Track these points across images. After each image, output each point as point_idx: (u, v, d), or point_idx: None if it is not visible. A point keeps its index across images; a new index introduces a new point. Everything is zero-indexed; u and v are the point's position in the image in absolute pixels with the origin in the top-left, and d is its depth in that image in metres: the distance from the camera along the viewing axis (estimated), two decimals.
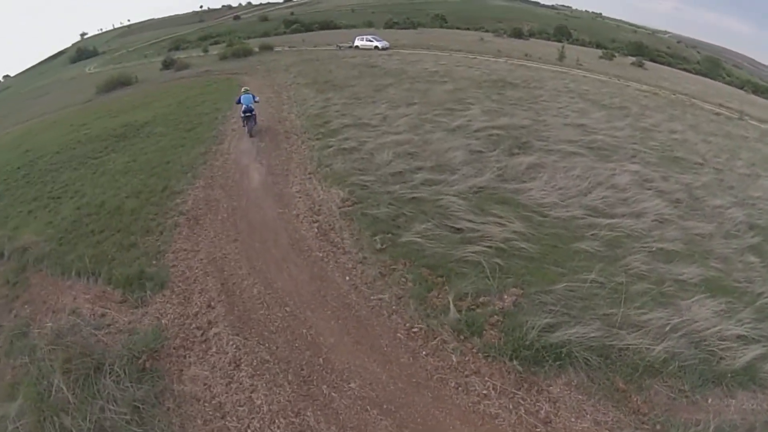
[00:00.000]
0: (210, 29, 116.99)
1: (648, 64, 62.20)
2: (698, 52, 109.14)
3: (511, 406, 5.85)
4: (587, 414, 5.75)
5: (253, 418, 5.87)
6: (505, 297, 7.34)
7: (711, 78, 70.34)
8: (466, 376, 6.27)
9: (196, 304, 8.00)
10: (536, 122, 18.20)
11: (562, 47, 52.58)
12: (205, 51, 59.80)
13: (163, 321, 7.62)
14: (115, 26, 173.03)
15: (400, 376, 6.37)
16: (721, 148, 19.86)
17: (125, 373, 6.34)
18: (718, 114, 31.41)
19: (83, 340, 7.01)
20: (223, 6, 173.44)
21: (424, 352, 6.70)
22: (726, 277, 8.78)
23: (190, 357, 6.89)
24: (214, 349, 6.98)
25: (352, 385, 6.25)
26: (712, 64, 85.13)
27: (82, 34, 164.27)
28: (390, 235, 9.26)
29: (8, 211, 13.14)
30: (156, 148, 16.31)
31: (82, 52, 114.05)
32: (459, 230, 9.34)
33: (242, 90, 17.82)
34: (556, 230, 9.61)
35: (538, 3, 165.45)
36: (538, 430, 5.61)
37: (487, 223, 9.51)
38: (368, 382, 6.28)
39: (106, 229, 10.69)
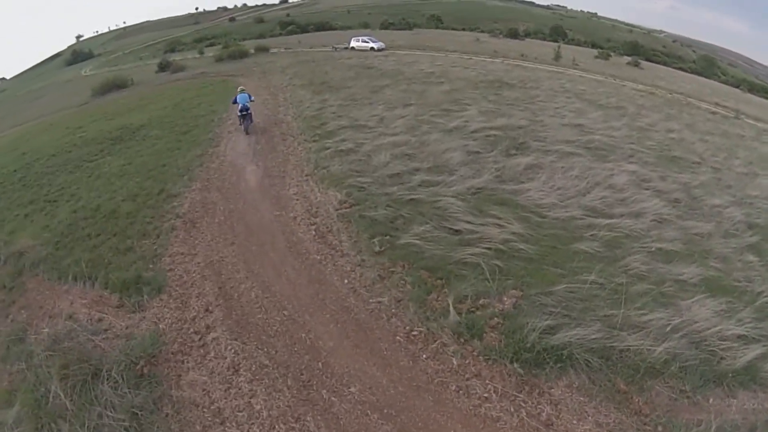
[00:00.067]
0: (206, 31, 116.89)
1: (644, 63, 62.32)
2: (694, 51, 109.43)
3: (512, 409, 5.81)
4: (589, 416, 5.72)
5: (252, 423, 5.82)
6: (505, 299, 7.30)
7: (706, 77, 70.43)
8: (467, 379, 6.24)
9: (193, 308, 7.94)
10: (533, 122, 18.19)
11: (558, 47, 52.78)
12: (201, 53, 59.94)
13: (160, 326, 7.56)
14: (111, 28, 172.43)
15: (400, 379, 6.33)
16: (718, 147, 19.89)
17: (123, 378, 6.28)
18: (714, 113, 31.49)
19: (80, 345, 6.96)
20: (218, 8, 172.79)
21: (424, 356, 6.66)
22: (725, 277, 8.76)
23: (188, 362, 6.83)
24: (212, 354, 6.93)
25: (352, 389, 6.21)
26: (708, 63, 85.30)
27: (78, 37, 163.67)
28: (388, 237, 9.23)
29: (4, 215, 13.05)
30: (152, 151, 16.24)
31: (78, 54, 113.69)
32: (458, 232, 9.30)
33: (238, 90, 18.34)
34: (555, 231, 9.58)
35: (533, 3, 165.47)
36: None
37: (485, 224, 9.48)
38: (368, 386, 6.24)
39: (102, 233, 10.62)
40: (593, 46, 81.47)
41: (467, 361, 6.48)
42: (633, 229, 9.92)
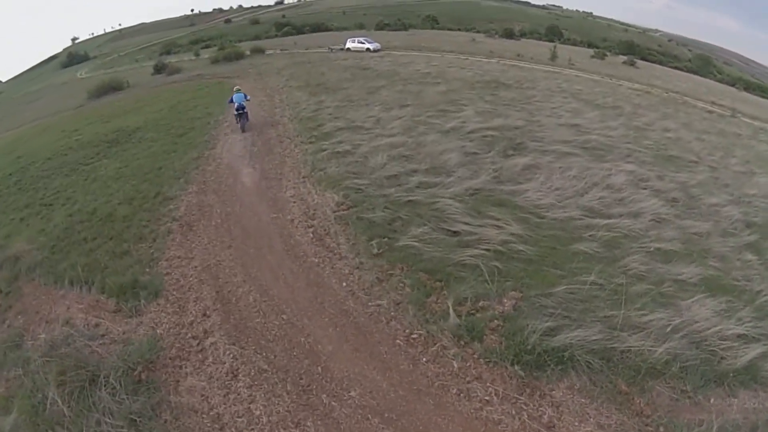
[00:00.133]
0: (201, 33, 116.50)
1: (639, 62, 62.49)
2: (689, 50, 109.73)
3: (513, 412, 5.78)
4: (590, 417, 5.69)
5: (252, 429, 5.76)
6: (505, 301, 7.27)
7: (702, 76, 70.58)
8: (468, 383, 6.20)
9: (191, 312, 7.88)
10: (530, 123, 18.20)
11: (554, 47, 52.80)
12: (197, 55, 59.67)
13: (158, 331, 7.49)
14: (107, 30, 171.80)
15: (400, 383, 6.29)
16: (714, 146, 19.95)
17: (121, 384, 6.21)
18: (710, 112, 31.60)
19: (77, 351, 6.91)
20: (214, 9, 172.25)
21: (424, 359, 6.62)
22: (725, 276, 8.77)
23: (186, 367, 6.77)
24: (210, 359, 6.86)
25: (353, 393, 6.16)
26: (703, 62, 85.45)
27: (74, 39, 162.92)
28: (386, 239, 9.18)
29: (0, 219, 12.97)
30: (148, 154, 16.19)
31: (74, 56, 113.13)
32: (456, 233, 9.27)
33: (234, 89, 18.76)
34: (554, 232, 9.56)
35: (528, 3, 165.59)
36: None
37: (484, 225, 9.45)
38: (368, 390, 6.19)
39: (98, 237, 10.56)
40: (589, 45, 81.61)
41: (468, 364, 6.44)
42: (631, 229, 9.92)
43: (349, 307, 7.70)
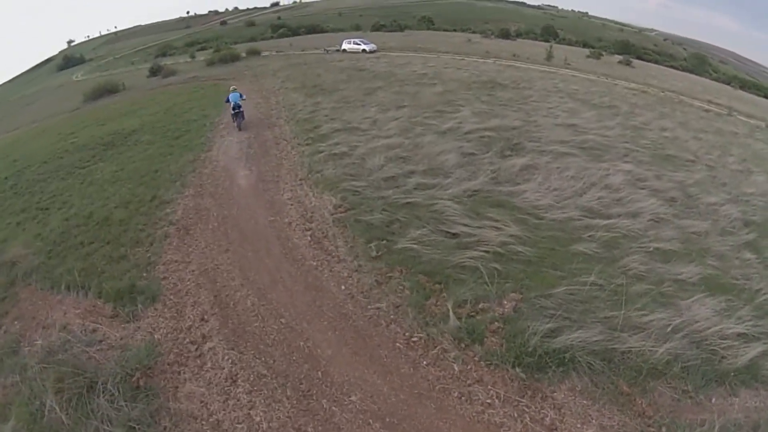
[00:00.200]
0: (197, 35, 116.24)
1: (635, 62, 62.52)
2: (685, 49, 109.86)
3: (515, 414, 5.76)
4: (593, 419, 5.68)
5: None
6: (505, 303, 7.25)
7: (698, 74, 70.70)
8: (469, 385, 6.18)
9: (189, 317, 7.82)
10: (527, 123, 18.21)
11: (550, 47, 52.76)
12: (192, 57, 59.56)
13: (155, 336, 7.43)
14: (102, 33, 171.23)
15: (401, 387, 6.25)
16: (712, 145, 20.00)
17: (119, 391, 6.15)
18: (707, 111, 31.68)
19: (75, 357, 6.84)
20: (209, 11, 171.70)
21: (424, 362, 6.59)
22: (724, 275, 8.79)
23: (185, 373, 6.71)
24: (209, 365, 6.81)
25: (353, 398, 6.12)
26: (699, 61, 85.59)
27: (69, 42, 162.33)
28: (385, 241, 9.15)
29: None
30: (144, 157, 16.08)
31: (70, 59, 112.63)
32: (455, 235, 9.24)
33: (230, 89, 19.36)
34: (553, 232, 9.55)
35: (524, 3, 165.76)
36: None
37: (482, 227, 9.43)
38: (369, 395, 6.16)
39: (95, 241, 10.46)
40: (584, 45, 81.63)
41: (469, 367, 6.42)
42: (630, 229, 9.92)
43: (348, 311, 7.66)
